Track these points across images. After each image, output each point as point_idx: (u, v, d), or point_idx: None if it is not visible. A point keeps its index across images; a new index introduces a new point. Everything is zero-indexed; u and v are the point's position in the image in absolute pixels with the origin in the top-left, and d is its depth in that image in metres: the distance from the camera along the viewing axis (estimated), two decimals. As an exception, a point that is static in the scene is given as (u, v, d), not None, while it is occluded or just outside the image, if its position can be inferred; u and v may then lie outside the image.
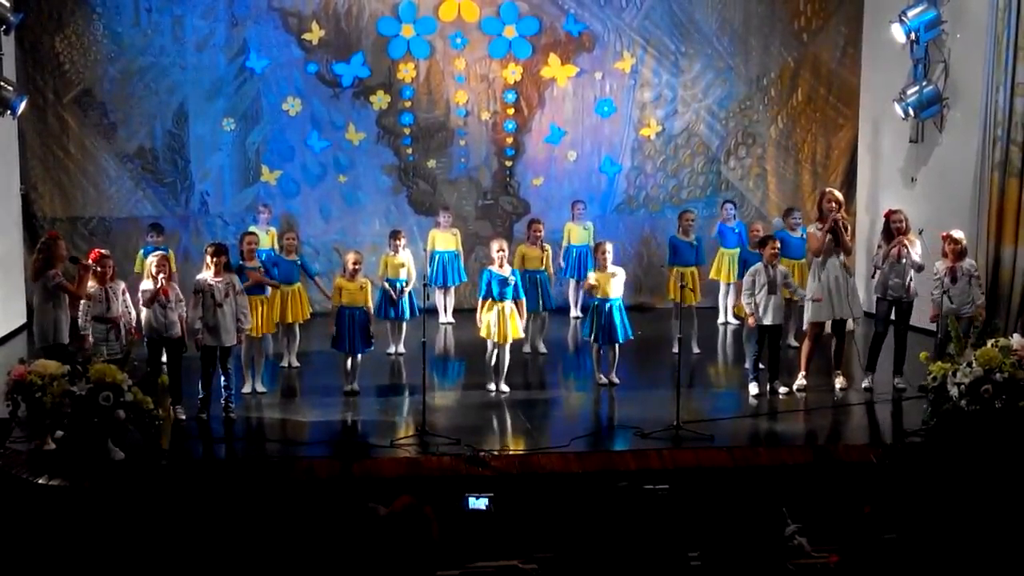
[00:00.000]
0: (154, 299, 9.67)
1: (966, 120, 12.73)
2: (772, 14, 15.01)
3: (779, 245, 10.72)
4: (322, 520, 7.84)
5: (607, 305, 10.79)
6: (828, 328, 10.82)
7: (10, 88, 12.53)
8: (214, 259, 9.87)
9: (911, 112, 13.39)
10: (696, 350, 12.30)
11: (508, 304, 10.65)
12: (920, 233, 10.97)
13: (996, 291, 11.87)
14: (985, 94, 11.99)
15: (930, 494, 8.19)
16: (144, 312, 9.77)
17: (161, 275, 9.69)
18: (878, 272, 10.74)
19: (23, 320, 13.22)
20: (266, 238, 13.48)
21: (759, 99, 15.15)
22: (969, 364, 9.18)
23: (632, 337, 11.02)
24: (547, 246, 12.69)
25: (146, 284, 9.82)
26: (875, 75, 14.68)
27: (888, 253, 10.60)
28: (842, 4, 15.02)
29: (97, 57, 14.11)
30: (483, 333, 10.77)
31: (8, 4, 12.33)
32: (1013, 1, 11.53)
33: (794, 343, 12.12)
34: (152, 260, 9.93)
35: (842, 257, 10.61)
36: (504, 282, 10.61)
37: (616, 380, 10.91)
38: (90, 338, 9.60)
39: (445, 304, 14.01)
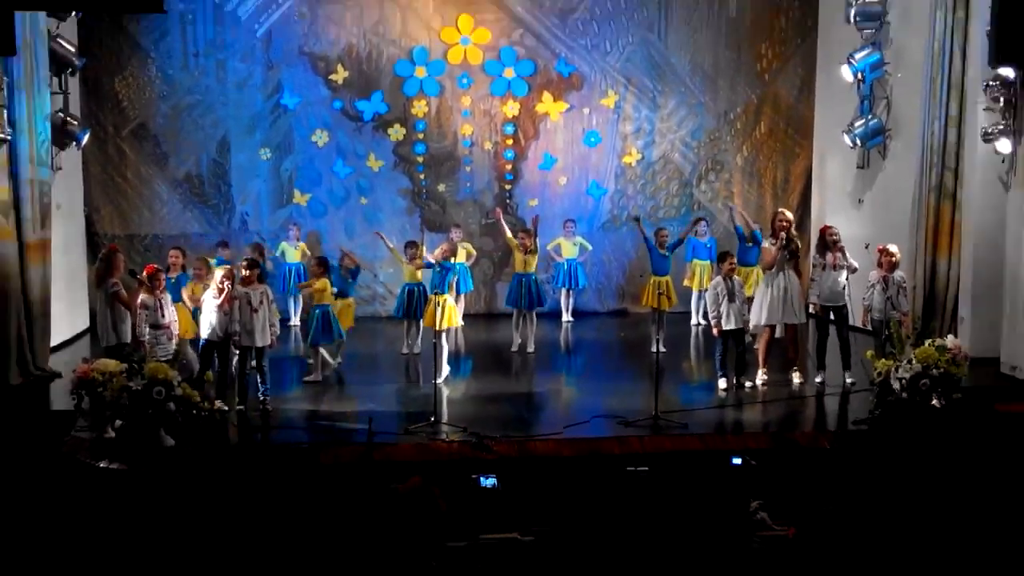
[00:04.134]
0: (228, 305, 9.74)
1: (906, 149, 12.75)
2: (738, 58, 14.99)
3: (736, 260, 10.78)
4: (348, 499, 7.85)
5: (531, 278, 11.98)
6: (780, 330, 10.85)
7: (75, 123, 12.61)
8: (248, 271, 9.93)
9: (858, 142, 13.43)
10: (663, 349, 12.15)
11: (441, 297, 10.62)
12: (867, 247, 10.97)
13: (932, 297, 11.89)
14: (923, 126, 12.02)
15: (876, 476, 8.22)
16: (214, 316, 9.79)
17: (227, 284, 9.75)
18: (814, 282, 10.68)
19: (87, 324, 13.22)
20: (295, 253, 13.57)
21: (726, 131, 15.14)
22: (909, 361, 9.22)
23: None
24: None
25: (209, 292, 9.90)
26: (827, 110, 14.67)
27: (824, 264, 10.56)
28: (799, 48, 15.01)
29: (151, 95, 14.14)
30: (426, 323, 11.16)
31: (74, 50, 12.43)
32: (947, 46, 11.60)
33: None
34: (219, 273, 9.98)
35: (787, 270, 10.54)
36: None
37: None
38: (147, 343, 9.62)
39: (455, 310, 13.97)
